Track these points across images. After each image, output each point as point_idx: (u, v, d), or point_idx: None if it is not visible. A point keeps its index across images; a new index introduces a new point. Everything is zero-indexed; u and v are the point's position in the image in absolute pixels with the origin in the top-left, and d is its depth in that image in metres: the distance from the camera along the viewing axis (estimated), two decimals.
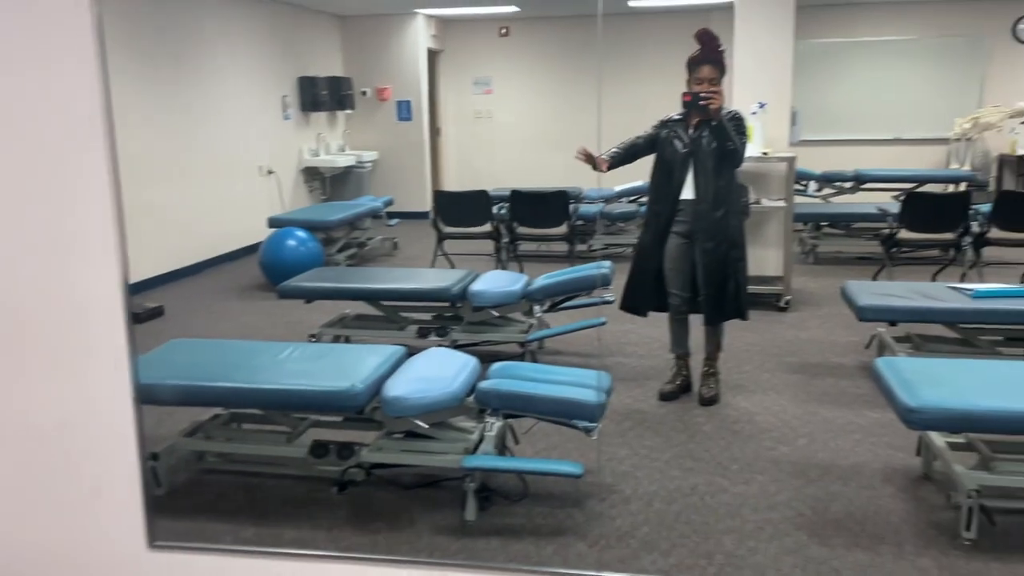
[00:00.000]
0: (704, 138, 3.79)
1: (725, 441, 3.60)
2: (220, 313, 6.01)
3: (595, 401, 2.89)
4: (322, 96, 9.28)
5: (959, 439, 3.08)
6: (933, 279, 6.18)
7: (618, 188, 8.21)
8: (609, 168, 3.86)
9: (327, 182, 9.70)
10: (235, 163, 7.96)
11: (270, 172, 8.56)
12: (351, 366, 3.12)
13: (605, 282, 4.54)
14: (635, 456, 3.47)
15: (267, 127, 8.56)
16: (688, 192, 3.84)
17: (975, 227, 5.88)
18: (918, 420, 2.71)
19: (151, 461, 3.11)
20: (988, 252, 6.08)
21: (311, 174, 9.48)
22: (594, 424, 2.94)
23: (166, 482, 3.21)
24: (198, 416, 3.54)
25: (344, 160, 9.38)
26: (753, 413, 3.91)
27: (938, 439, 3.08)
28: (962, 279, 5.97)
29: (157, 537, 2.43)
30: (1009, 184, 9.84)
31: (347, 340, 5.03)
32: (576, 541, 2.82)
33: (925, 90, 9.88)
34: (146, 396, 3.00)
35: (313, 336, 4.81)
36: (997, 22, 9.67)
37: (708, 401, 4.00)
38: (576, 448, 3.56)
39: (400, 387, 2.96)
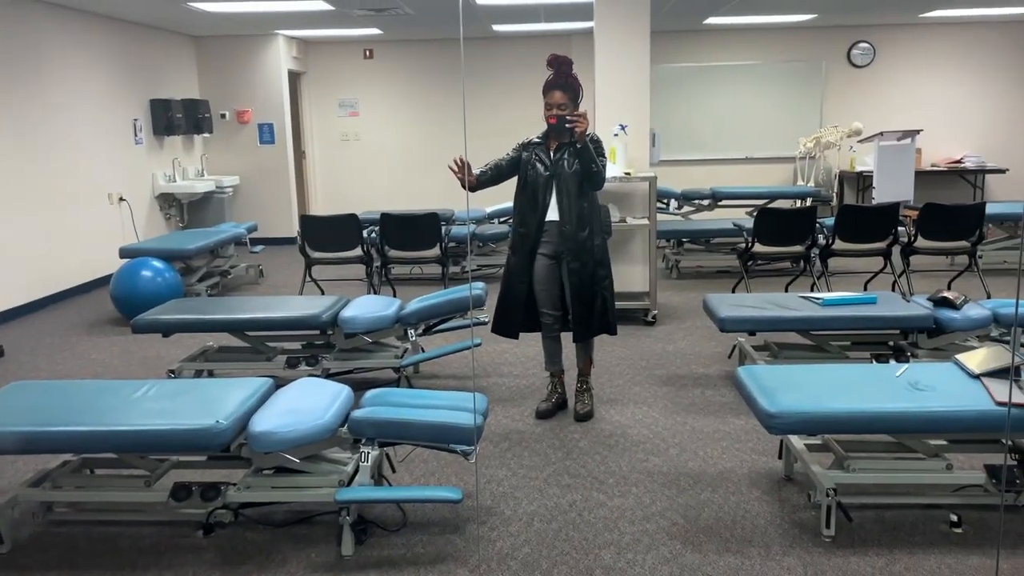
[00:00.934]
0: (566, 160, 3.86)
1: (601, 456, 3.66)
2: (67, 351, 5.60)
3: (471, 424, 2.86)
4: (177, 119, 8.88)
5: (816, 441, 3.25)
6: (786, 290, 6.57)
7: (489, 209, 8.29)
8: (474, 189, 3.85)
9: (184, 209, 9.26)
10: (82, 191, 7.48)
11: (121, 199, 8.09)
12: (214, 401, 2.96)
13: (478, 303, 4.54)
14: (514, 476, 3.46)
15: (117, 152, 8.10)
16: (553, 214, 3.90)
17: (821, 240, 6.29)
18: (778, 425, 2.84)
19: None
20: (833, 262, 6.51)
21: (167, 201, 9.03)
22: (472, 447, 2.91)
23: (8, 538, 2.93)
24: (45, 463, 3.27)
25: (203, 185, 8.99)
26: (626, 426, 3.99)
27: (797, 442, 3.24)
28: (812, 289, 6.37)
29: None
30: (850, 198, 10.64)
31: (210, 375, 4.80)
32: (457, 567, 2.77)
33: (772, 111, 10.54)
34: None
35: (172, 372, 4.56)
36: (834, 48, 10.46)
37: (583, 417, 4.06)
38: (455, 472, 3.52)
39: (268, 421, 2.83)
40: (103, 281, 7.54)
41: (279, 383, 3.26)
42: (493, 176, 3.98)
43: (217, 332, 4.62)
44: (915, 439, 3.05)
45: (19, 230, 6.65)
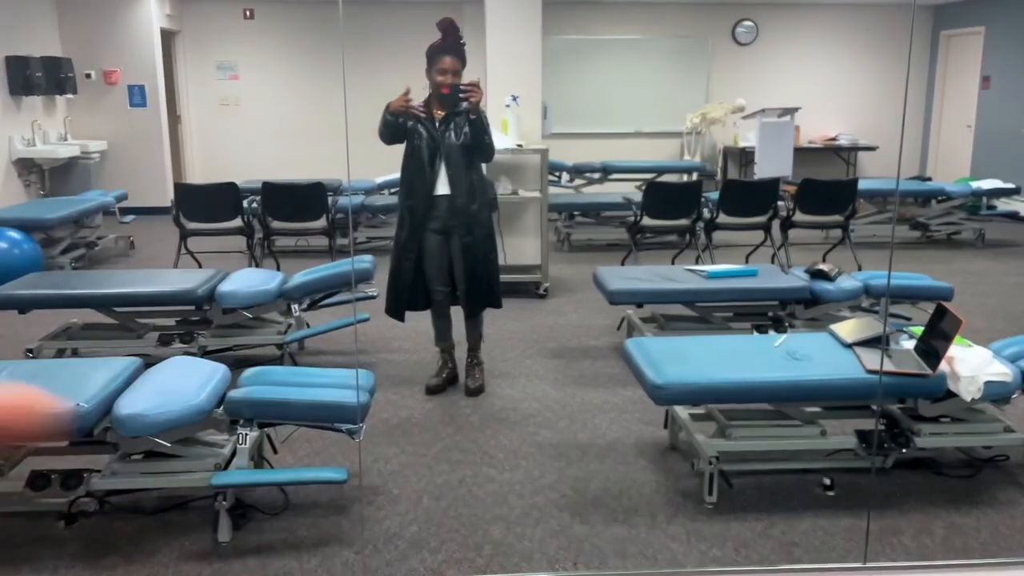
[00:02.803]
0: (453, 131, 3.75)
1: (491, 430, 3.62)
2: None
3: (356, 402, 2.76)
4: (36, 78, 8.21)
5: (700, 411, 3.32)
6: (672, 262, 6.70)
7: (379, 180, 8.08)
8: (393, 136, 3.76)
9: (46, 175, 8.60)
10: None
11: None
12: (75, 383, 2.74)
13: (365, 276, 4.40)
14: (403, 454, 3.38)
15: None
16: (443, 187, 3.78)
17: (706, 213, 6.44)
18: (663, 396, 2.87)
19: None
20: (717, 236, 6.69)
21: (25, 166, 8.36)
22: (357, 427, 2.81)
23: None
24: None
25: (66, 150, 8.37)
26: (517, 400, 3.98)
27: (682, 412, 3.30)
28: (697, 262, 6.53)
29: None
30: (733, 173, 10.98)
31: (75, 354, 4.48)
32: (342, 550, 2.68)
33: (660, 86, 10.71)
34: None
35: (30, 352, 4.22)
36: (719, 25, 10.71)
37: (474, 391, 4.01)
38: (341, 451, 3.41)
39: (135, 403, 2.64)
40: None
41: (151, 363, 3.05)
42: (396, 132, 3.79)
43: (81, 309, 4.31)
44: (793, 407, 3.15)
45: None
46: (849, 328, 3.33)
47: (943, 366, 2.93)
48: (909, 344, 3.19)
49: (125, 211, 7.61)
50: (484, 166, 4.01)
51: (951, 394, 2.98)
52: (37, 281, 4.38)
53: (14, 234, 5.85)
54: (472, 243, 3.84)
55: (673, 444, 3.45)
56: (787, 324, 4.56)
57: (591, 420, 3.74)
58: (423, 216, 3.82)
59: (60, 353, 4.45)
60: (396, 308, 3.95)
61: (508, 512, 2.92)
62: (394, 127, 3.74)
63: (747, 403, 3.04)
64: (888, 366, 2.97)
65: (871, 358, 3.02)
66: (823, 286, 4.43)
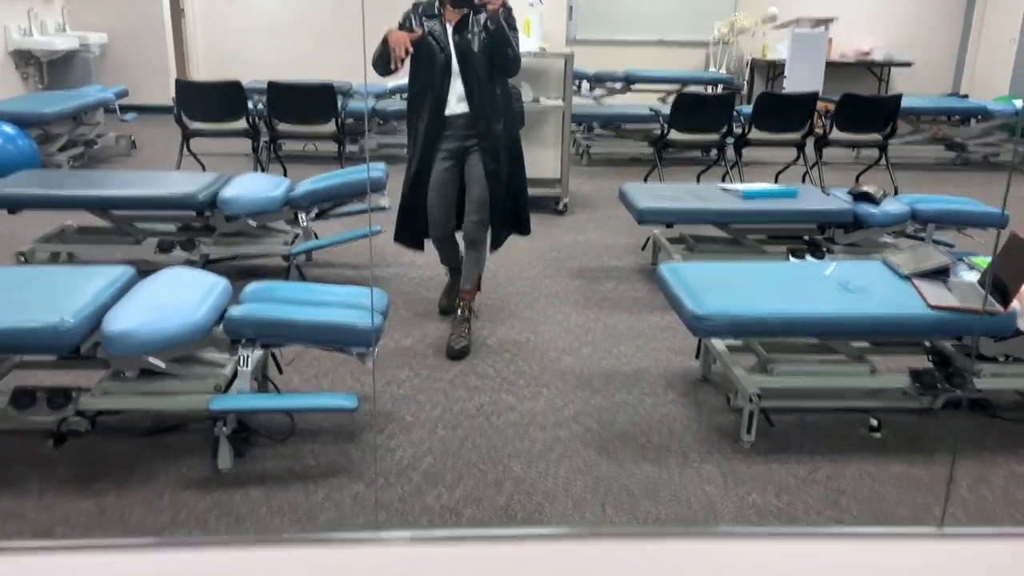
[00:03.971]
0: (471, 37, 3.21)
1: (510, 354, 3.40)
2: None
3: (368, 325, 2.51)
4: None
5: (737, 342, 3.07)
6: (698, 180, 6.37)
7: (391, 84, 7.66)
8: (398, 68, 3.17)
9: (44, 68, 8.19)
10: None
11: None
12: (61, 294, 2.50)
13: (379, 186, 4.10)
14: (416, 378, 3.17)
15: None
16: (459, 105, 3.29)
17: (737, 128, 6.06)
18: (705, 327, 2.62)
19: None
20: (745, 153, 6.33)
21: (23, 58, 7.94)
22: (369, 349, 2.58)
23: None
24: None
25: (64, 42, 7.93)
26: (537, 323, 3.74)
27: (718, 343, 3.06)
28: (724, 179, 6.19)
29: None
30: (760, 87, 10.46)
31: (70, 258, 4.24)
32: (351, 482, 2.49)
33: None
34: None
35: (22, 255, 3.98)
36: None
37: (458, 354, 3.33)
38: (351, 372, 3.20)
39: (126, 319, 2.40)
40: None
41: (148, 270, 2.80)
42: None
43: (76, 210, 4.05)
44: (841, 342, 2.90)
45: None
46: (905, 258, 3.05)
47: (1014, 303, 2.66)
48: (971, 276, 2.92)
49: (125, 108, 7.25)
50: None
51: (1018, 332, 2.72)
52: (30, 179, 4.10)
53: (9, 129, 5.53)
54: (498, 170, 3.37)
55: (705, 376, 3.22)
56: (825, 249, 4.28)
57: (616, 347, 3.51)
58: (434, 138, 3.35)
59: (54, 257, 4.22)
60: (408, 233, 3.54)
61: (529, 446, 2.72)
62: (389, 59, 3.13)
63: (797, 336, 2.78)
64: (951, 300, 2.70)
65: (934, 292, 2.75)
66: (867, 209, 4.13)
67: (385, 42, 3.15)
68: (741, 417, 2.76)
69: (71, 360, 2.63)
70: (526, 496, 2.44)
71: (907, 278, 2.90)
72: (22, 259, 3.96)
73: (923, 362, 2.98)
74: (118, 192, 3.92)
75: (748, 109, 6.21)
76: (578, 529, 2.22)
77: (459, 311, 3.49)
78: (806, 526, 2.33)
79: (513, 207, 3.53)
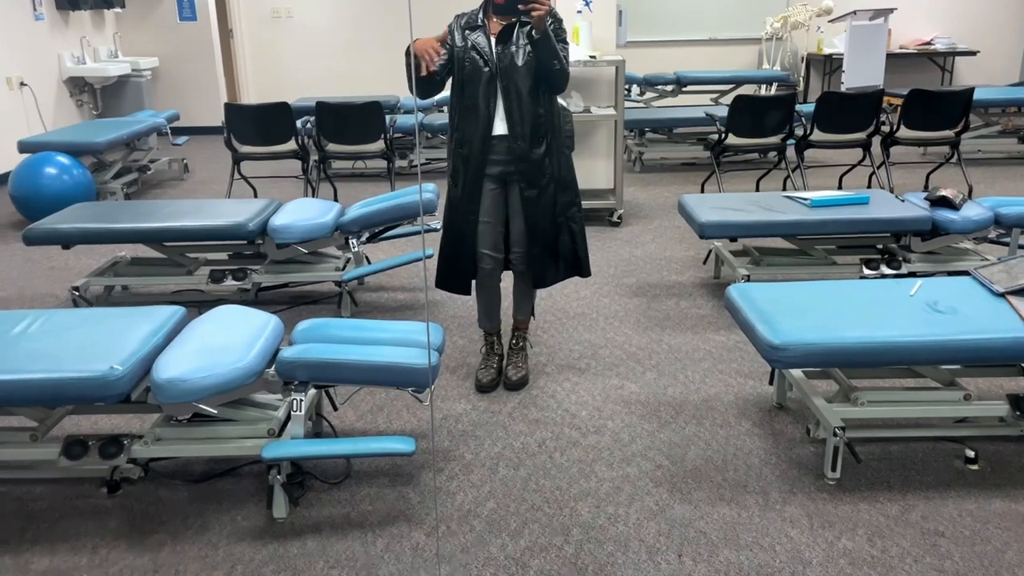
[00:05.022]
0: (515, 50, 2.92)
1: (570, 383, 3.25)
2: None
3: (423, 364, 2.39)
4: None
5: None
6: (757, 186, 6.14)
7: (437, 96, 7.58)
8: (427, 93, 2.94)
9: (97, 94, 8.32)
10: None
11: (23, 84, 7.17)
12: (110, 339, 2.44)
13: (429, 208, 3.99)
14: (474, 411, 3.04)
15: (13, 29, 7.11)
16: (500, 126, 2.97)
17: (798, 130, 5.82)
18: (783, 359, 2.43)
19: None
20: (808, 154, 6.07)
21: (77, 86, 8.08)
22: (425, 389, 2.45)
23: None
24: None
25: (116, 68, 8.04)
26: (597, 346, 3.58)
27: (795, 369, 2.86)
28: (785, 184, 5.96)
29: None
30: (816, 83, 10.13)
31: (124, 291, 4.23)
32: (411, 530, 2.36)
33: None
34: None
35: (76, 290, 3.97)
36: None
37: (516, 385, 3.19)
38: (407, 407, 3.09)
39: (177, 365, 2.32)
40: (4, 178, 6.74)
41: (201, 300, 2.73)
42: (448, 72, 2.99)
43: (127, 243, 4.02)
44: (931, 367, 2.69)
45: None
46: (998, 272, 2.82)
47: None
48: None
49: (178, 132, 7.30)
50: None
51: None
52: (83, 213, 4.09)
53: (63, 159, 5.58)
54: (538, 196, 3.01)
55: (780, 403, 3.03)
56: (901, 259, 4.03)
57: (682, 372, 3.33)
58: (479, 163, 3.00)
59: (108, 290, 4.21)
60: (453, 278, 3.12)
61: (596, 486, 2.56)
62: (419, 70, 2.84)
63: (884, 366, 2.57)
64: None
65: None
66: (946, 215, 3.87)
67: (408, 53, 2.92)
68: (823, 450, 2.57)
69: (123, 405, 2.57)
70: (596, 544, 2.29)
71: (1001, 295, 2.68)
72: (76, 294, 3.95)
73: (1020, 384, 2.74)
74: (169, 224, 3.87)
75: (809, 109, 5.96)
76: None
77: (513, 340, 3.34)
78: None
79: (568, 244, 3.13)
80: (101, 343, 2.43)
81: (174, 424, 2.53)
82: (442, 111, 7.46)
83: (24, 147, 5.77)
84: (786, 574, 2.15)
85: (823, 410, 2.58)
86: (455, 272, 3.11)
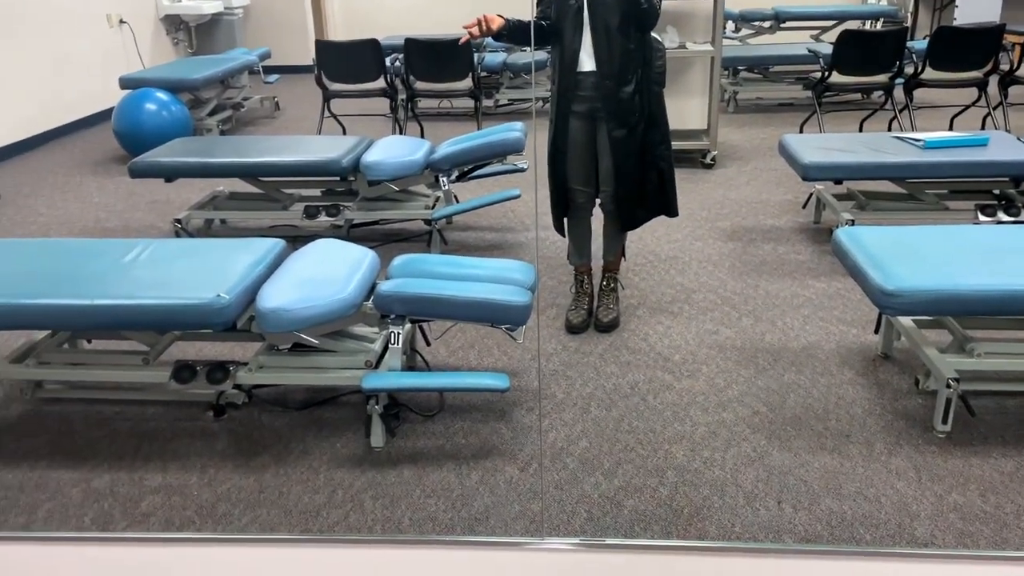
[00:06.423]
0: None
1: (663, 326, 3.19)
2: (70, 192, 5.13)
3: (520, 302, 2.38)
4: None
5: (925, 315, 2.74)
6: (861, 127, 5.84)
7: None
8: (499, 35, 2.90)
9: (192, 33, 8.47)
10: (74, 12, 6.74)
11: (121, 22, 7.34)
12: (215, 270, 2.50)
13: (518, 147, 3.94)
14: (564, 351, 3.02)
15: None
16: (588, 62, 2.92)
17: (908, 68, 5.49)
18: (896, 305, 2.32)
19: None
20: (917, 95, 5.74)
21: (173, 24, 8.24)
22: (520, 327, 2.44)
23: None
24: (31, 334, 2.87)
25: (210, 6, 8.15)
26: (690, 290, 3.50)
27: (904, 318, 2.73)
28: (890, 125, 5.65)
29: None
30: (924, 21, 9.51)
31: (222, 224, 4.34)
32: (505, 464, 2.38)
33: None
34: None
35: (179, 222, 4.09)
36: None
37: (607, 327, 3.15)
38: (497, 344, 3.09)
39: (279, 295, 2.37)
40: (107, 114, 6.97)
41: (296, 234, 2.77)
42: (526, 28, 2.93)
43: (226, 177, 4.11)
44: None
45: (10, 59, 6.02)
46: None
47: None
48: None
49: (269, 70, 7.39)
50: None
51: None
52: (181, 148, 4.19)
53: (162, 95, 5.73)
54: (626, 136, 2.95)
55: (886, 353, 2.91)
56: (1020, 205, 3.79)
57: (780, 318, 3.23)
58: (567, 100, 2.98)
59: (208, 223, 4.33)
60: (555, 213, 3.16)
61: (691, 429, 2.52)
62: (512, 33, 2.89)
63: (1005, 315, 2.43)
64: None
65: None
66: None
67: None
68: (932, 402, 2.46)
69: (228, 333, 2.64)
70: (692, 487, 2.26)
71: None
72: (178, 225, 4.07)
73: None
74: (266, 159, 3.94)
75: (920, 45, 5.61)
76: (779, 546, 1.98)
77: (604, 282, 3.30)
78: None
79: (656, 183, 3.08)
80: (207, 272, 2.49)
81: (276, 353, 2.59)
82: (524, 50, 7.32)
83: (125, 83, 5.93)
84: (892, 526, 2.08)
85: (936, 361, 2.46)
86: (555, 209, 3.14)
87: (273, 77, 7.42)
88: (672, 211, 3.16)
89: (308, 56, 6.24)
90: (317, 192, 4.27)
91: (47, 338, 2.74)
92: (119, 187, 5.23)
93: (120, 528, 2.16)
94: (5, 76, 5.99)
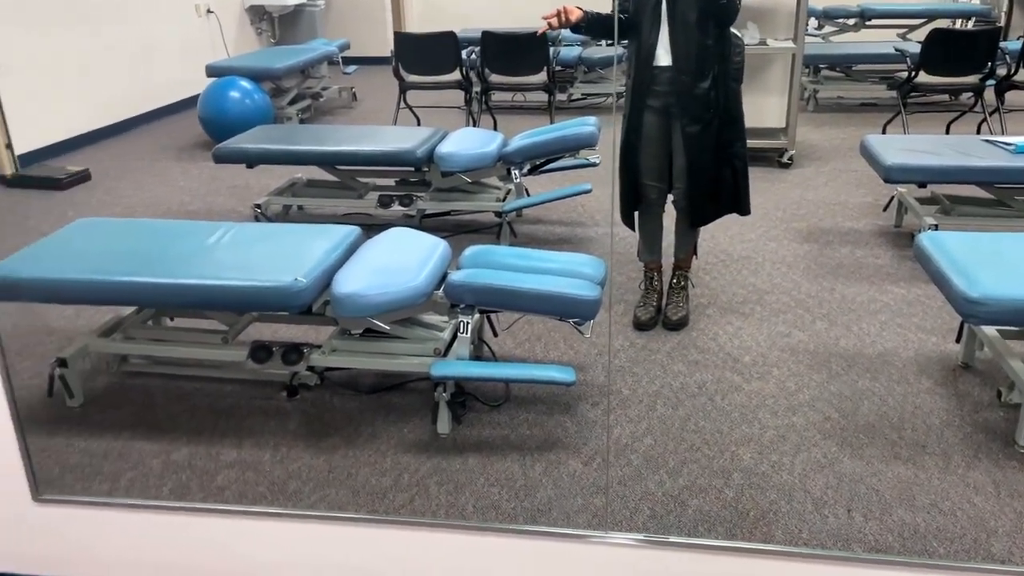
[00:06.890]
0: None
1: (733, 327, 3.15)
2: (156, 176, 5.33)
3: (591, 297, 2.38)
4: None
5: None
6: (947, 129, 5.63)
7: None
8: (578, 27, 2.95)
9: (275, 23, 8.68)
10: (165, 0, 6.98)
11: (209, 11, 7.58)
12: (294, 254, 2.57)
13: (591, 141, 3.92)
14: (632, 348, 3.01)
15: None
16: (664, 57, 2.90)
17: (1001, 69, 5.27)
18: (981, 314, 2.25)
19: (59, 368, 2.62)
20: (1009, 97, 5.50)
21: (257, 14, 8.45)
22: (588, 322, 2.45)
23: (79, 392, 2.70)
24: (118, 309, 3.00)
25: None
26: (763, 291, 3.44)
27: (989, 327, 2.64)
28: (980, 128, 5.44)
29: (55, 478, 1.95)
30: (1019, 20, 9.11)
31: (300, 211, 4.45)
32: (569, 458, 2.39)
33: None
34: (42, 293, 2.48)
35: (258, 207, 4.21)
36: None
37: (676, 324, 3.13)
38: (564, 338, 3.10)
39: (354, 281, 2.42)
40: (192, 101, 7.20)
41: (371, 223, 2.83)
42: (608, 21, 2.97)
43: (304, 165, 4.21)
44: None
45: (105, 44, 6.29)
46: None
47: None
48: None
49: (347, 61, 7.52)
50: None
51: None
52: (263, 135, 4.32)
53: (245, 84, 5.90)
54: (701, 132, 2.93)
55: (967, 363, 2.81)
56: None
57: (856, 323, 3.15)
58: (641, 95, 2.97)
59: (286, 209, 4.44)
60: (624, 209, 3.15)
61: (759, 432, 2.49)
62: (591, 26, 2.95)
63: None
64: None
65: None
66: None
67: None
68: (1016, 415, 2.37)
69: (303, 315, 2.71)
70: (759, 491, 2.23)
71: None
72: (258, 210, 4.19)
73: None
74: (343, 148, 4.02)
75: (1015, 46, 5.38)
76: (848, 555, 1.94)
77: (674, 279, 3.27)
78: None
79: (730, 181, 3.05)
80: (285, 256, 2.56)
81: (348, 337, 2.65)
82: (600, 44, 7.28)
83: (211, 71, 6.13)
84: (967, 541, 2.02)
85: (1021, 373, 2.37)
86: (630, 207, 3.13)
87: (351, 68, 7.55)
88: (744, 209, 3.12)
89: (386, 48, 6.34)
90: (391, 182, 4.34)
91: (133, 314, 2.87)
92: (202, 172, 5.41)
93: (197, 499, 2.25)
94: (96, 62, 6.25)
